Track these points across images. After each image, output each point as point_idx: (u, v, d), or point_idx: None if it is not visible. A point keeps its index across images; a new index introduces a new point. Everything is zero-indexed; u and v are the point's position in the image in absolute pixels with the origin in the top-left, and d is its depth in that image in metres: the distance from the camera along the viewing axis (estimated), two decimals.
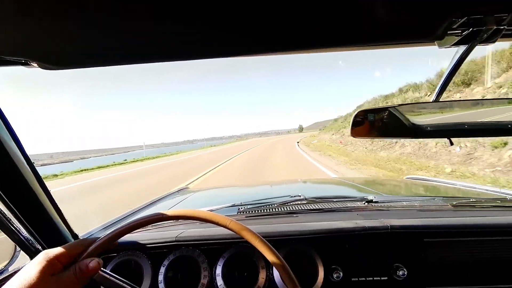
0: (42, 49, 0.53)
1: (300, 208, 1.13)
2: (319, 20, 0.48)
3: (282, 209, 1.14)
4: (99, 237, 0.65)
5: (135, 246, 0.89)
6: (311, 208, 1.12)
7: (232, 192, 1.97)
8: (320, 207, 1.12)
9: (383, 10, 0.46)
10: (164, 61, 0.62)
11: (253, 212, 1.14)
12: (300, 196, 1.22)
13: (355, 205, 1.13)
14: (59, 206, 0.84)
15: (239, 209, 1.20)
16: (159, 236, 0.91)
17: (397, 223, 0.88)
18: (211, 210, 1.17)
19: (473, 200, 1.12)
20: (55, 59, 0.56)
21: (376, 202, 1.14)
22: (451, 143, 0.65)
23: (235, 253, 0.86)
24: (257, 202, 1.28)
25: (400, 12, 0.47)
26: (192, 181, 8.45)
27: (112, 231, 0.65)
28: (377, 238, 0.86)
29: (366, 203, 1.13)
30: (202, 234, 0.90)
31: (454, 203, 1.07)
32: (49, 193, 0.81)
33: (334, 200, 1.21)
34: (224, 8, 0.46)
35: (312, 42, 0.55)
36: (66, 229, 0.88)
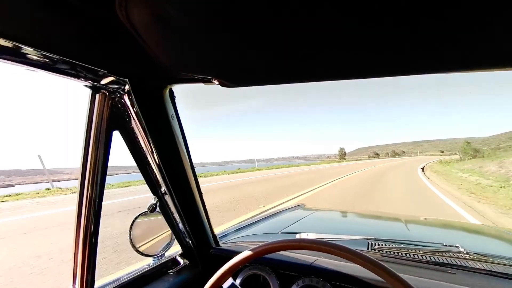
0: (225, 69, 0.61)
1: (457, 263, 0.88)
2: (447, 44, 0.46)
3: (431, 259, 0.92)
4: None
5: (267, 260, 0.89)
6: (476, 267, 0.86)
7: (357, 220, 1.79)
8: (492, 270, 0.84)
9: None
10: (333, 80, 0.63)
11: (391, 253, 0.97)
12: (458, 247, 0.96)
13: None
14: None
15: (369, 244, 1.06)
16: (293, 257, 0.89)
17: None
18: (337, 240, 1.07)
19: None
20: (235, 77, 0.62)
21: None
22: None
23: None
24: (393, 240, 1.09)
25: None
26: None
27: (247, 252, 0.65)
28: None
29: None
30: (337, 269, 0.82)
31: None
32: (202, 198, 0.93)
33: (509, 262, 0.89)
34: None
35: (435, 66, 0.54)
36: (209, 230, 0.99)
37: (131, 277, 0.83)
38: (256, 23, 0.47)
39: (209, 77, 0.63)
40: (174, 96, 0.81)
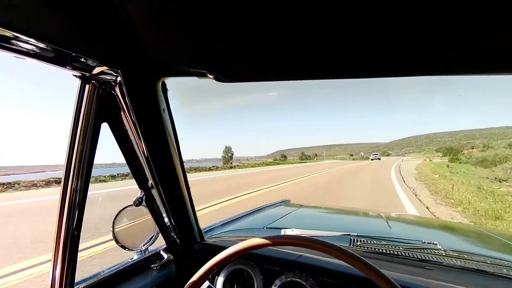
0: (220, 64, 0.61)
1: (434, 260, 0.92)
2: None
3: (410, 255, 0.95)
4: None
5: (251, 255, 0.89)
6: (451, 264, 0.90)
7: (340, 217, 1.82)
8: (465, 266, 0.88)
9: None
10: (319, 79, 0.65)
11: (372, 249, 1.00)
12: (435, 244, 1.00)
13: None
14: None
15: (352, 240, 1.09)
16: (277, 253, 0.90)
17: None
18: (321, 236, 1.09)
19: None
20: (229, 73, 0.63)
21: None
22: None
23: None
24: (374, 237, 1.12)
25: None
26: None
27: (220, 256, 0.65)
28: None
29: None
30: (321, 264, 0.83)
31: None
32: (190, 193, 0.92)
33: (483, 260, 0.94)
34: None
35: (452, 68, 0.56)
36: (195, 224, 0.98)
37: (112, 272, 0.82)
38: (252, 20, 0.47)
39: (204, 71, 0.63)
40: (167, 89, 0.79)
